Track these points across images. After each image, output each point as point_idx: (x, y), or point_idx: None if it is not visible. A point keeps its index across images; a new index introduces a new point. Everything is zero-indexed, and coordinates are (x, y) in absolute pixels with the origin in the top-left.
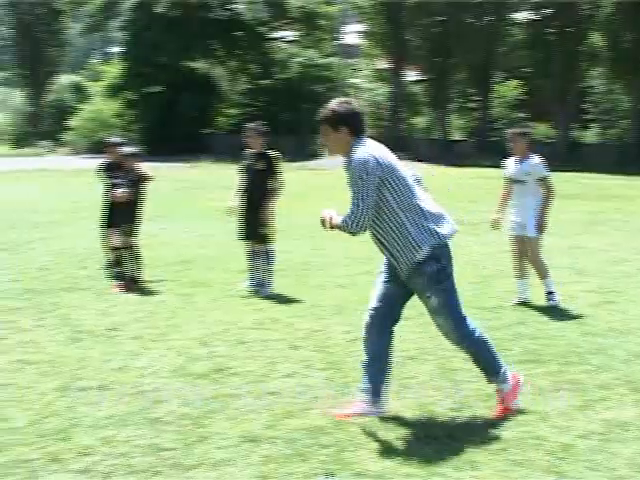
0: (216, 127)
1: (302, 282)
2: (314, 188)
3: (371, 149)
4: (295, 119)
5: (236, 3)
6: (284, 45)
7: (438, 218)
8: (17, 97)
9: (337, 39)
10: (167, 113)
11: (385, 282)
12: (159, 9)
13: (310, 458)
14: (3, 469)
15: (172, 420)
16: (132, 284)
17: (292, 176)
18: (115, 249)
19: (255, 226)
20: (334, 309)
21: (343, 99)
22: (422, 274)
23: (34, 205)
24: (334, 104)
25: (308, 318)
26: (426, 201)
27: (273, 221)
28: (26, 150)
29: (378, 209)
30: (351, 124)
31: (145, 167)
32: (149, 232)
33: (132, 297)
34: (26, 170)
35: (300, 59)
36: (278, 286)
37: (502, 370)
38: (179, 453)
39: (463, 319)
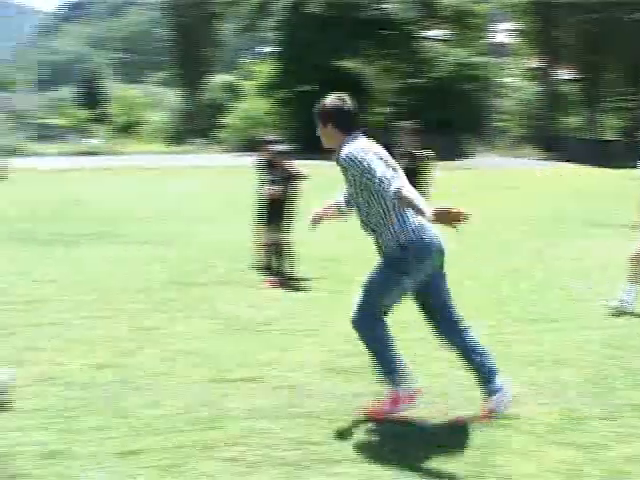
0: (367, 126)
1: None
2: (468, 187)
3: (358, 145)
4: (445, 118)
5: (387, 2)
6: (434, 44)
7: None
8: (173, 96)
9: (487, 38)
10: None
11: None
12: (312, 9)
13: (456, 459)
14: (159, 454)
15: (321, 415)
16: (284, 280)
17: (443, 175)
18: (268, 245)
19: None
20: (473, 309)
21: (337, 96)
22: (387, 254)
23: (188, 200)
24: (326, 100)
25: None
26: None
27: None
28: (180, 147)
29: (368, 192)
30: (337, 121)
31: (296, 165)
32: (300, 229)
33: (283, 292)
34: (180, 167)
35: (451, 58)
36: None
37: (400, 375)
38: (327, 448)
39: (371, 315)
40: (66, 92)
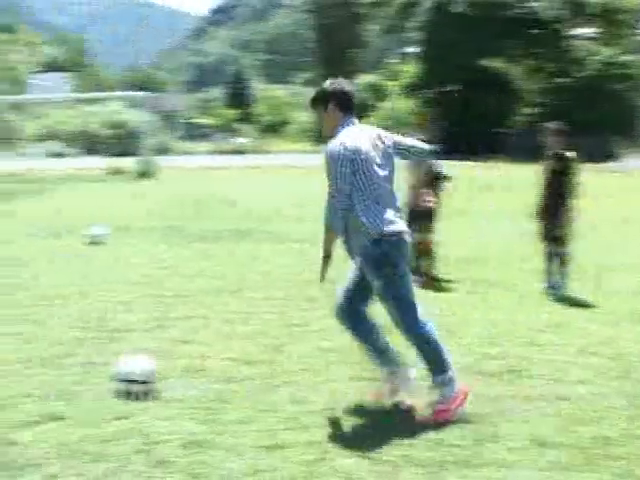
0: (512, 126)
1: (596, 286)
2: (615, 190)
3: (347, 139)
4: (593, 119)
5: (534, 1)
6: (583, 42)
7: (390, 213)
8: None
9: (636, 34)
10: (463, 112)
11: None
12: (457, 9)
13: (600, 469)
14: (300, 448)
15: (463, 417)
16: (425, 280)
17: (590, 178)
18: (412, 245)
19: (553, 228)
20: (629, 316)
21: (335, 79)
22: (367, 257)
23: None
24: (325, 84)
25: (601, 324)
26: (385, 194)
27: (571, 223)
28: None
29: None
30: (338, 101)
31: (442, 165)
32: (445, 230)
33: (424, 293)
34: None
35: (599, 57)
36: (572, 289)
37: (448, 374)
38: (467, 451)
39: (411, 310)
40: (214, 93)
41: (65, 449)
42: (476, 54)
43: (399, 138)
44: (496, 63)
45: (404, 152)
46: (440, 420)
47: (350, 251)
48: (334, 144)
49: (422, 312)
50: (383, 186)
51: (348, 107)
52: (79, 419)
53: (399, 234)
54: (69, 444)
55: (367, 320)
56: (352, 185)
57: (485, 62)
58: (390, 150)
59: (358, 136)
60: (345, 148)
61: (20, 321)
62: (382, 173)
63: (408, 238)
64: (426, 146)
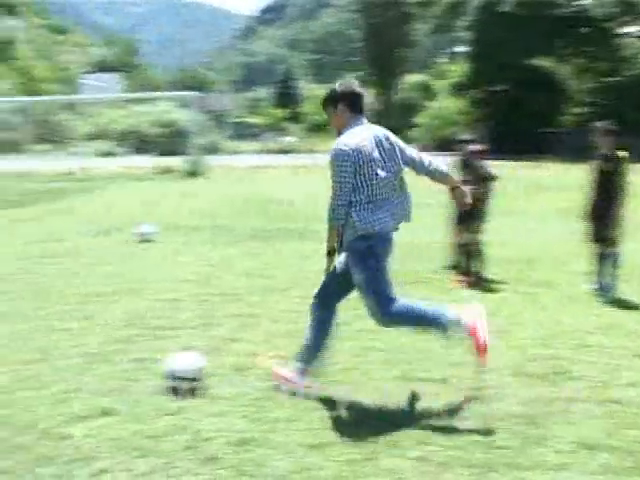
0: (560, 126)
1: None
2: None
3: (351, 140)
4: None
5: None
6: (633, 40)
7: (384, 213)
8: (367, 96)
9: None
10: (511, 111)
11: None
12: (505, 8)
13: None
14: (346, 448)
15: (509, 419)
16: (475, 280)
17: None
18: (460, 245)
19: (602, 229)
20: None
21: (346, 80)
22: (353, 250)
23: None
24: (336, 84)
25: None
26: (383, 195)
27: (621, 224)
28: None
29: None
30: (348, 100)
31: (490, 165)
32: (493, 230)
33: (473, 293)
34: None
35: None
36: (622, 291)
37: (449, 321)
38: (514, 453)
39: (388, 300)
40: (263, 92)
41: (115, 444)
42: (524, 53)
43: (405, 146)
44: (545, 62)
45: (408, 162)
46: (482, 352)
47: (340, 245)
48: (338, 144)
49: (399, 297)
50: (383, 187)
51: (357, 108)
52: (129, 415)
53: (387, 233)
54: (119, 439)
55: (331, 312)
56: (352, 184)
57: (534, 61)
58: (397, 153)
59: (363, 136)
60: (348, 148)
61: (72, 317)
62: (383, 174)
63: (393, 236)
64: (427, 163)
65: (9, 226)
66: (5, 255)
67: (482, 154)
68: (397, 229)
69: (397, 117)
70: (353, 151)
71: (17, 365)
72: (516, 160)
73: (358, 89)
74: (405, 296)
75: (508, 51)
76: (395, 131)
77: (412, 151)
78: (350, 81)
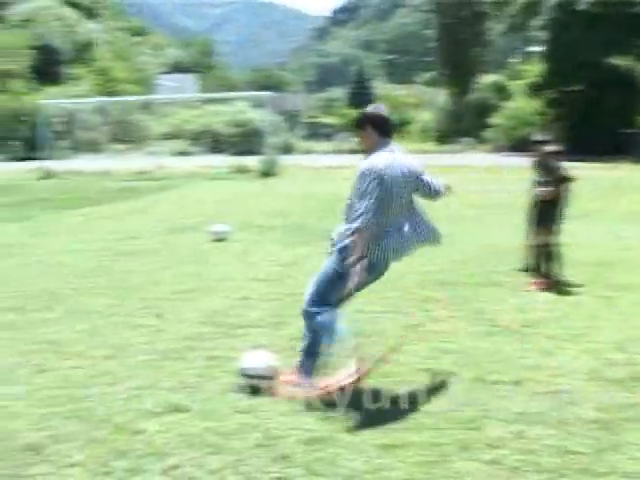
0: (639, 126)
1: None
2: None
3: (380, 161)
4: None
5: None
6: None
7: (391, 240)
8: (441, 96)
9: None
10: (588, 111)
11: None
12: (580, 7)
13: None
14: (418, 449)
15: (583, 424)
16: (550, 282)
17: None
18: (535, 247)
19: None
20: None
21: (376, 105)
22: (346, 250)
23: (454, 199)
24: (367, 108)
25: None
26: (389, 219)
27: None
28: (448, 147)
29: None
30: (375, 124)
31: (566, 167)
32: (569, 232)
33: (549, 296)
34: (448, 166)
35: None
36: None
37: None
38: (588, 459)
39: (323, 303)
40: (337, 93)
41: (186, 440)
42: (601, 52)
43: (422, 171)
44: (622, 61)
45: (421, 186)
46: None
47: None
48: (367, 163)
49: (339, 316)
50: (392, 212)
51: (384, 131)
52: (201, 412)
53: (386, 261)
54: (190, 436)
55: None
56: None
57: (611, 60)
58: (412, 180)
59: (388, 160)
60: (376, 168)
61: (147, 314)
62: (398, 200)
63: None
64: (440, 188)
65: (88, 224)
66: (84, 252)
67: (558, 155)
68: (406, 255)
69: (471, 118)
70: (380, 171)
71: (93, 360)
72: (593, 161)
73: (386, 114)
74: (339, 319)
75: (584, 50)
76: (469, 132)
77: (427, 177)
78: (379, 106)
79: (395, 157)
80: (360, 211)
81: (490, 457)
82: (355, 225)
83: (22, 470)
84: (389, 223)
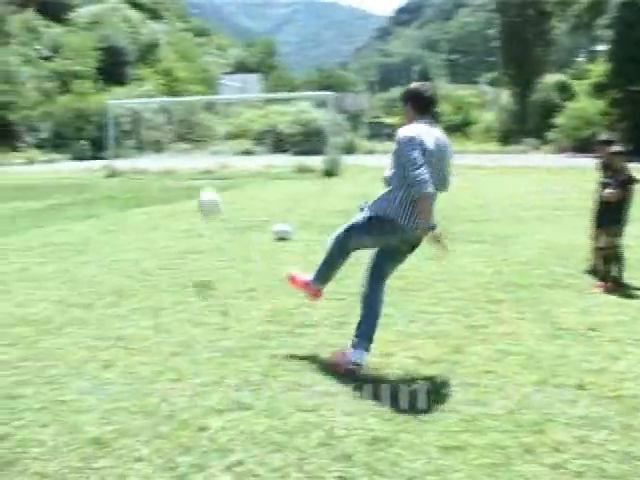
0: None
1: None
2: None
3: (416, 130)
4: None
5: None
6: None
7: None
8: (504, 96)
9: None
10: None
11: None
12: None
13: None
14: (481, 451)
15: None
16: (616, 285)
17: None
18: (600, 249)
19: None
20: None
21: (422, 82)
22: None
23: (518, 200)
24: (412, 83)
25: None
26: None
27: None
28: (511, 147)
29: (399, 174)
30: (415, 101)
31: (632, 168)
32: (633, 234)
33: (614, 299)
34: (511, 166)
35: None
36: None
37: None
38: None
39: (341, 240)
40: (399, 92)
41: (250, 438)
42: None
43: (449, 159)
44: None
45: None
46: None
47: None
48: (403, 132)
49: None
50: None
51: (423, 109)
52: (265, 410)
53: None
54: (254, 433)
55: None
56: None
57: None
58: (442, 157)
59: (424, 133)
60: (411, 134)
61: (212, 312)
62: (431, 169)
63: (409, 230)
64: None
65: (153, 222)
66: (150, 250)
67: (623, 156)
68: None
69: (535, 118)
70: (417, 137)
71: (159, 357)
72: None
73: (427, 93)
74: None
75: None
76: (532, 132)
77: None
78: (425, 84)
79: (430, 130)
80: (420, 177)
81: (553, 461)
82: (423, 191)
83: (88, 463)
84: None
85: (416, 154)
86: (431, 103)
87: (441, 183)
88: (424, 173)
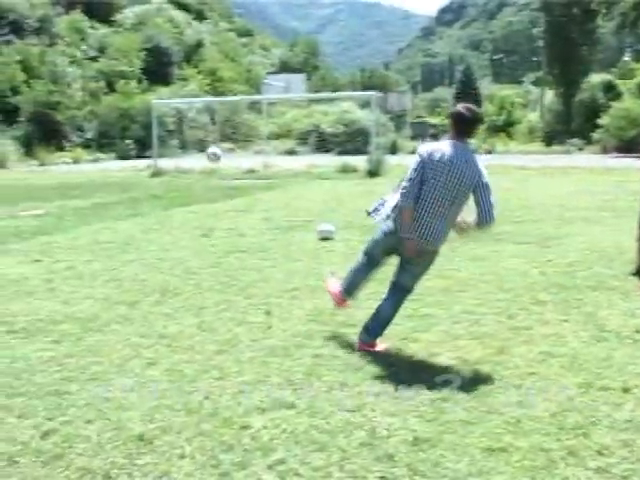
0: None
1: None
2: None
3: (431, 146)
4: None
5: None
6: None
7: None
8: (548, 96)
9: None
10: None
11: None
12: None
13: None
14: (524, 454)
15: None
16: None
17: None
18: None
19: None
20: None
21: (465, 105)
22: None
23: (563, 201)
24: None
25: None
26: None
27: None
28: (555, 147)
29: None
30: (454, 123)
31: None
32: None
33: None
34: (555, 167)
35: None
36: None
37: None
38: None
39: (367, 251)
40: (443, 92)
41: (292, 437)
42: None
43: (483, 187)
44: None
45: (475, 196)
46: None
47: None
48: (421, 146)
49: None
50: (429, 197)
51: (459, 131)
52: (307, 409)
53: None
54: (296, 432)
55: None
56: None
57: None
58: (460, 182)
59: (436, 148)
60: (422, 152)
61: (255, 311)
62: (433, 187)
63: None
64: (489, 217)
65: (197, 221)
66: (194, 249)
67: None
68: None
69: (580, 118)
70: (424, 154)
71: (203, 355)
72: None
73: (467, 118)
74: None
75: None
76: (577, 133)
77: (485, 194)
78: (468, 108)
79: (446, 149)
80: (404, 191)
81: (598, 465)
82: (402, 203)
83: (132, 460)
84: (421, 208)
85: (412, 169)
86: (468, 128)
87: (448, 199)
88: (409, 188)
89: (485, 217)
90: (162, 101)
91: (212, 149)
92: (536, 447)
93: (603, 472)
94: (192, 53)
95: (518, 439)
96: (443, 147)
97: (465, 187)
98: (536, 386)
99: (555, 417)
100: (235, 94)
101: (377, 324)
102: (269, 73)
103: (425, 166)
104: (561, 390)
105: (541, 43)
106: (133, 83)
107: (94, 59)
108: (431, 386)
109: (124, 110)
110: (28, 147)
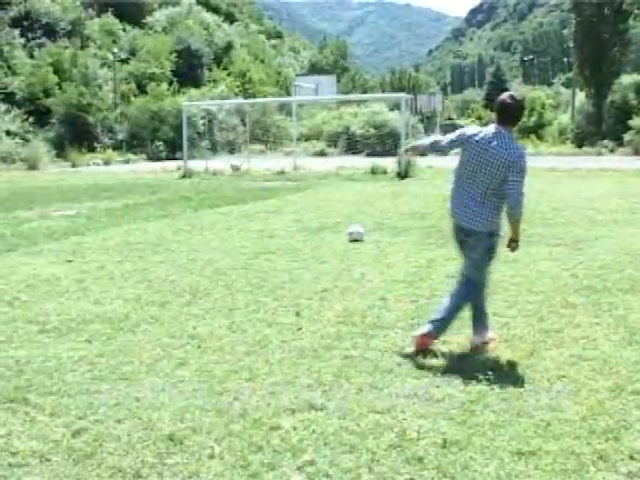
0: None
1: None
2: None
3: (470, 129)
4: None
5: None
6: None
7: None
8: (579, 97)
9: None
10: None
11: None
12: None
13: None
14: (554, 457)
15: None
16: None
17: None
18: None
19: None
20: None
21: (510, 94)
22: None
23: (594, 203)
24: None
25: None
26: (462, 182)
27: None
28: (587, 149)
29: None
30: (496, 109)
31: None
32: None
33: None
34: (586, 169)
35: None
36: None
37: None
38: None
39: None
40: (473, 94)
41: (321, 438)
42: None
43: (512, 169)
44: None
45: (506, 181)
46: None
47: None
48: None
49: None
50: (466, 178)
51: (499, 117)
52: (336, 410)
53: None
54: (325, 434)
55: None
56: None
57: None
58: (492, 163)
59: (476, 131)
60: (463, 131)
61: (285, 312)
62: (472, 168)
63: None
64: (517, 205)
65: (227, 222)
66: (224, 250)
67: None
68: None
69: (611, 119)
70: (462, 131)
71: (233, 356)
72: None
73: (504, 103)
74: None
75: None
76: (609, 134)
77: (513, 180)
78: (511, 95)
79: (488, 132)
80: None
81: (629, 469)
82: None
83: (162, 459)
84: (459, 183)
85: (451, 138)
86: (512, 115)
87: (484, 181)
88: (438, 139)
89: (513, 204)
90: (192, 103)
91: (233, 162)
92: (566, 451)
93: (634, 477)
94: (222, 55)
95: (548, 442)
96: (485, 130)
97: (500, 171)
98: (566, 389)
99: (586, 421)
100: (265, 96)
101: (440, 317)
102: (299, 75)
103: (465, 145)
104: (592, 393)
105: (572, 44)
106: (164, 85)
107: (125, 61)
108: (461, 389)
109: (154, 112)
110: (60, 149)
